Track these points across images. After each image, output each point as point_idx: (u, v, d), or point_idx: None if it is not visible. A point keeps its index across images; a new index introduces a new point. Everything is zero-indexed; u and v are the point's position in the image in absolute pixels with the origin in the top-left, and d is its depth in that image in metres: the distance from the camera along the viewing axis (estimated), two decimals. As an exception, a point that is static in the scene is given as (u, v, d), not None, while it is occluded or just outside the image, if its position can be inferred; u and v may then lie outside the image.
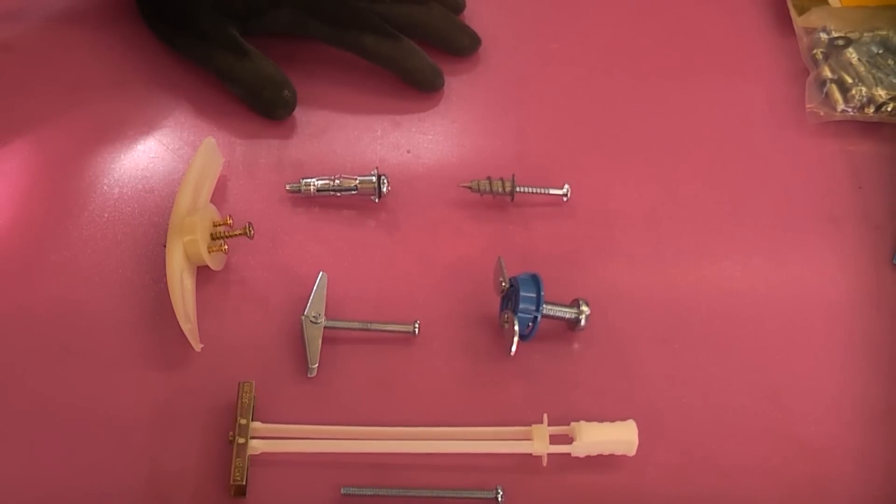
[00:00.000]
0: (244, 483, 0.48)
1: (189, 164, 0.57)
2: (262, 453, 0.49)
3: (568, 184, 0.59)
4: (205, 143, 0.58)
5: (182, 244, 0.53)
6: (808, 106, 0.64)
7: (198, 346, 0.52)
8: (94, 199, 0.59)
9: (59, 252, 0.56)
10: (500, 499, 0.49)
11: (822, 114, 0.64)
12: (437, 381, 0.53)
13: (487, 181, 0.59)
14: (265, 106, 0.62)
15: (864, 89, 0.63)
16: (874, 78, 0.64)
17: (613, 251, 0.59)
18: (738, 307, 0.57)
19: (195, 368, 0.53)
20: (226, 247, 0.55)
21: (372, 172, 0.58)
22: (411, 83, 0.64)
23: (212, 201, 0.57)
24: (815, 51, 0.67)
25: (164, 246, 0.54)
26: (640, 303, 0.56)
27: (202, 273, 0.55)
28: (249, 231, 0.55)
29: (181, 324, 0.51)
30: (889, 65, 0.65)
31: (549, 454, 0.50)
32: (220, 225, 0.55)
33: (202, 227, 0.54)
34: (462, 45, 0.66)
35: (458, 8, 0.68)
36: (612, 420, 0.50)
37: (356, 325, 0.54)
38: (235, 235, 0.55)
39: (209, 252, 0.54)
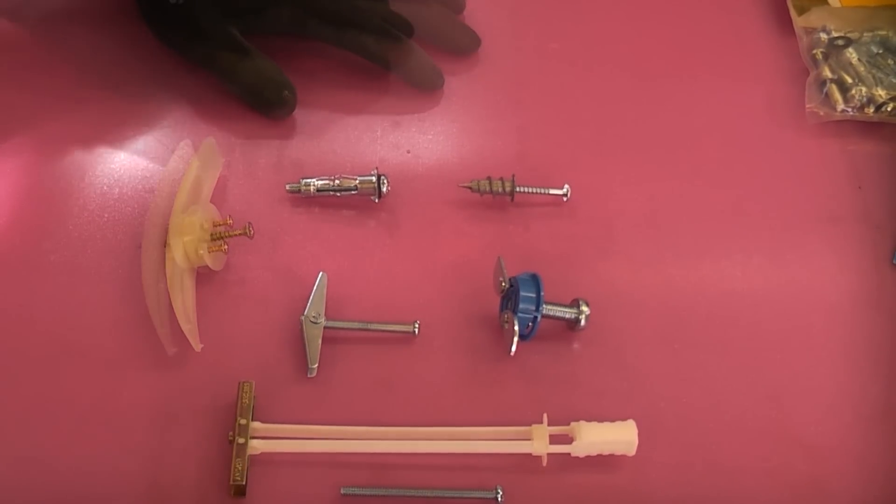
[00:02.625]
0: (244, 483, 0.48)
1: (188, 164, 0.57)
2: (262, 453, 0.49)
3: (568, 184, 0.59)
4: (204, 144, 0.58)
5: (182, 244, 0.53)
6: (808, 106, 0.64)
7: (198, 346, 0.52)
8: (95, 199, 0.59)
9: (59, 252, 0.56)
10: (500, 499, 0.49)
11: (822, 114, 0.64)
12: (437, 381, 0.53)
13: (487, 181, 0.59)
14: (265, 106, 0.62)
15: (863, 89, 0.63)
16: (874, 78, 0.64)
17: (613, 251, 0.59)
18: (738, 307, 0.57)
19: (195, 368, 0.53)
20: (225, 247, 0.55)
21: (372, 172, 0.58)
22: (411, 83, 0.64)
23: (212, 201, 0.58)
24: (815, 51, 0.67)
25: (165, 246, 0.53)
26: (640, 303, 0.56)
27: (202, 273, 0.55)
28: (249, 231, 0.55)
29: (181, 324, 0.51)
30: (889, 65, 0.65)
31: (548, 454, 0.50)
32: (219, 225, 0.55)
33: (202, 227, 0.54)
34: (462, 45, 0.66)
35: (458, 8, 0.68)
36: (612, 420, 0.50)
37: (356, 325, 0.54)
38: (235, 235, 0.55)
39: (209, 252, 0.54)
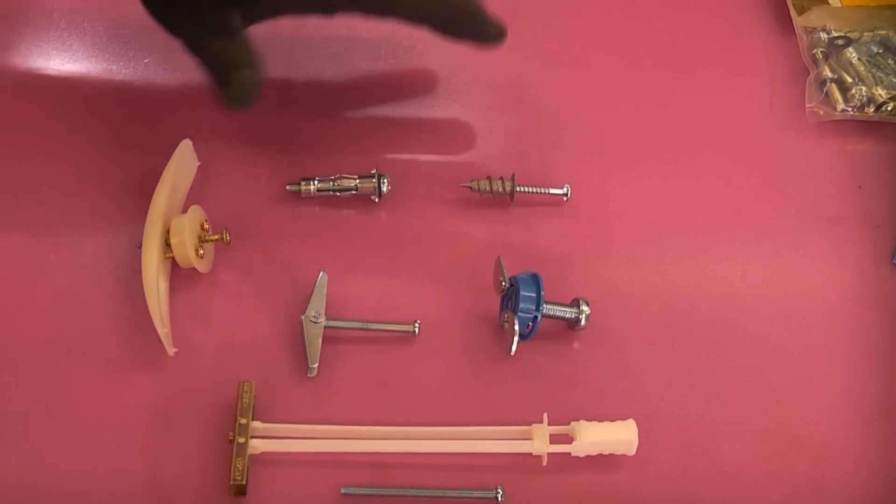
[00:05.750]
0: (244, 483, 0.48)
1: (166, 166, 0.56)
2: (262, 453, 0.49)
3: (568, 183, 0.59)
4: (181, 146, 0.57)
5: (158, 247, 0.52)
6: (807, 105, 0.64)
7: (171, 350, 0.52)
8: (95, 199, 0.59)
9: (59, 252, 0.56)
10: (500, 498, 0.49)
11: (821, 113, 0.64)
12: (437, 381, 0.53)
13: (487, 181, 0.59)
14: (220, 87, 0.56)
15: (863, 89, 0.63)
16: (874, 77, 0.64)
17: (613, 251, 0.59)
18: (738, 307, 0.57)
19: (195, 368, 0.53)
20: (202, 252, 0.54)
21: (372, 172, 0.58)
22: (447, 15, 0.56)
23: (211, 201, 0.57)
24: (815, 50, 0.67)
25: (139, 248, 0.53)
26: (640, 303, 0.56)
27: (202, 273, 0.55)
28: (226, 236, 0.55)
29: (157, 328, 0.51)
30: (889, 64, 0.65)
31: (549, 454, 0.50)
32: (204, 229, 0.55)
33: (190, 230, 0.54)
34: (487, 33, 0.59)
35: None
36: (612, 420, 0.50)
37: (356, 324, 0.54)
38: (213, 240, 0.55)
39: (197, 255, 0.54)
